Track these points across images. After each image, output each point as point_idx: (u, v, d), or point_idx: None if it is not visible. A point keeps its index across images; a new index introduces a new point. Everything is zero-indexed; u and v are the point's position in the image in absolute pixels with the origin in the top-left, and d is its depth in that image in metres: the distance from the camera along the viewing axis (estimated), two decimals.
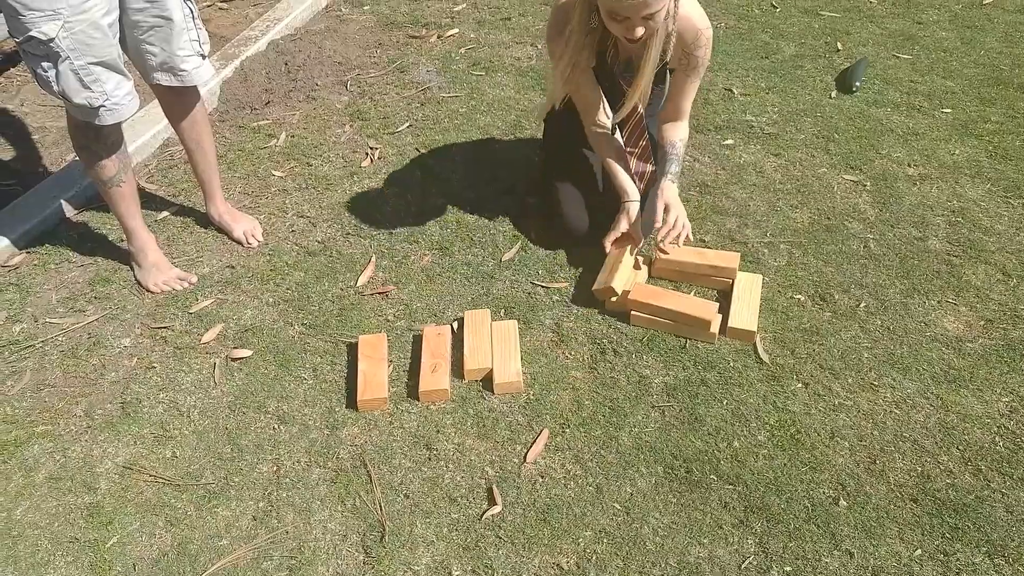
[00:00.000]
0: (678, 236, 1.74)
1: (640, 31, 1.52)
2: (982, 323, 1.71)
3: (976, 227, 1.96)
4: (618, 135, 1.88)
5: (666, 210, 1.75)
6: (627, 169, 1.82)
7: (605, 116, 1.81)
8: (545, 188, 2.00)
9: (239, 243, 2.03)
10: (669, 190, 1.77)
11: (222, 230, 2.06)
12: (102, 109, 1.62)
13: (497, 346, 1.66)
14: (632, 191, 1.79)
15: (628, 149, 1.85)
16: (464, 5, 3.17)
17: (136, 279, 1.92)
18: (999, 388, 1.57)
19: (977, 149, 2.24)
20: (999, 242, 1.91)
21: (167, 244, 2.03)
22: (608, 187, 1.86)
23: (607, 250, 1.81)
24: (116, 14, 1.60)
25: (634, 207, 1.78)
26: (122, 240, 1.98)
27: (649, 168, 1.87)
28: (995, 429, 1.49)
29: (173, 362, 1.72)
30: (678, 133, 1.83)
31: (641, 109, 1.78)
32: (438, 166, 2.27)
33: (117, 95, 1.62)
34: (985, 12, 2.94)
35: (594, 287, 1.76)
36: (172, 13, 1.66)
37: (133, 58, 1.74)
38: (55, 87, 1.57)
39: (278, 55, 2.82)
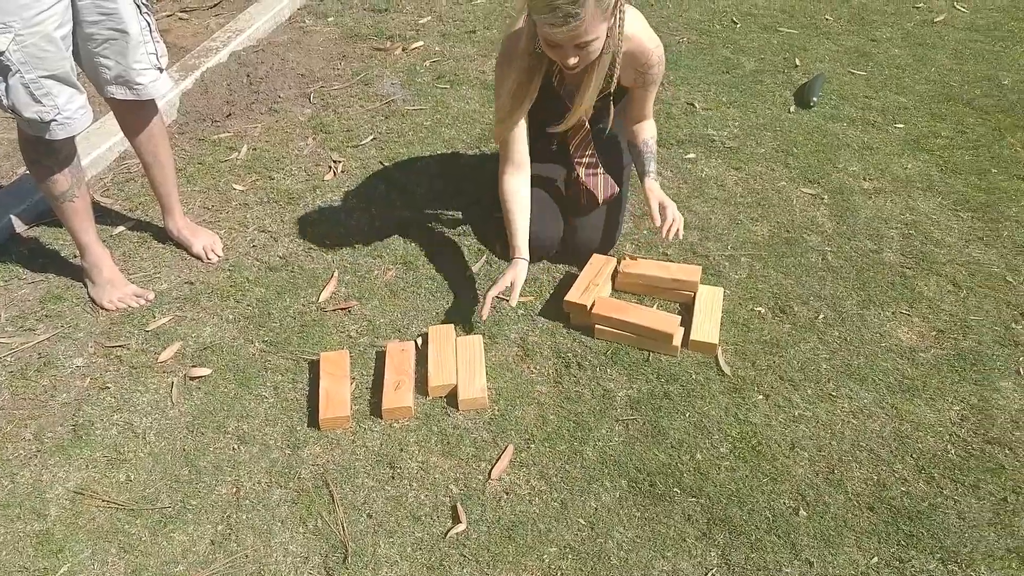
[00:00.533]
0: (678, 231, 1.77)
1: (573, 60, 1.52)
2: (934, 333, 1.76)
3: (928, 240, 2.02)
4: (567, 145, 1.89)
5: (661, 207, 1.79)
6: (526, 228, 1.76)
7: (525, 169, 1.78)
8: None
9: (198, 258, 1.99)
10: (656, 189, 1.83)
11: (181, 245, 2.02)
12: (53, 123, 1.58)
13: (462, 362, 1.65)
14: (525, 251, 1.74)
15: (576, 159, 1.88)
16: (429, 18, 3.18)
17: (90, 296, 1.87)
18: (950, 397, 1.61)
19: (928, 164, 2.31)
20: (949, 254, 1.97)
21: (123, 260, 1.98)
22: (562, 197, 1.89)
23: (485, 304, 1.68)
24: (70, 27, 1.56)
25: (523, 266, 1.72)
26: (75, 256, 1.93)
27: (601, 175, 1.89)
28: (947, 437, 1.53)
29: (128, 382, 1.68)
30: (648, 132, 1.88)
31: (587, 123, 1.81)
32: (402, 179, 2.26)
33: (69, 109, 1.59)
34: (936, 30, 3.04)
35: (567, 297, 1.76)
36: (128, 26, 1.63)
37: (87, 71, 1.70)
38: (4, 101, 1.53)
39: (240, 66, 2.79)
